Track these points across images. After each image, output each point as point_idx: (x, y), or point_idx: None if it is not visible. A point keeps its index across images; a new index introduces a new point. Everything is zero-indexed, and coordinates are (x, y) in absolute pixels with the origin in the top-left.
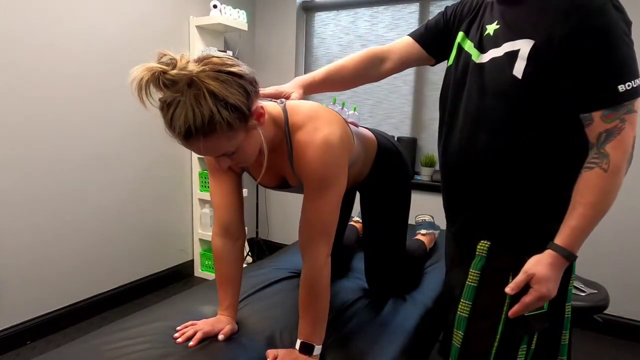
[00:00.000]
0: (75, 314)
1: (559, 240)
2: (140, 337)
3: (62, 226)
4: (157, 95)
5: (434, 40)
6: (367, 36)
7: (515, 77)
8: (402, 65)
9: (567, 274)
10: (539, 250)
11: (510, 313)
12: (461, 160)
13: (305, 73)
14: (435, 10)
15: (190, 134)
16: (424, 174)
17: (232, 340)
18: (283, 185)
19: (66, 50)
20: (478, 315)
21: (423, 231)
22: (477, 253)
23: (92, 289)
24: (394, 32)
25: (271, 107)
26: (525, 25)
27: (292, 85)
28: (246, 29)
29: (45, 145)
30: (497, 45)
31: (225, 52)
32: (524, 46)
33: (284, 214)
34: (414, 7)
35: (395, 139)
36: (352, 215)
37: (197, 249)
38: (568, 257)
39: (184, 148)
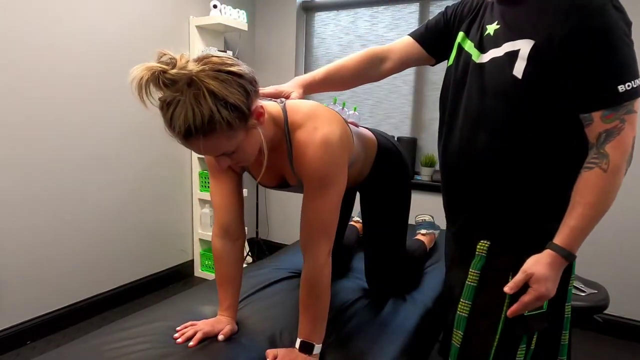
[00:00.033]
0: (75, 314)
1: (558, 240)
2: (140, 337)
3: (62, 226)
4: (157, 94)
5: (434, 40)
6: (367, 36)
7: (515, 77)
8: (402, 65)
9: (567, 274)
10: (539, 250)
11: (508, 312)
12: (461, 160)
13: (305, 73)
14: (435, 10)
15: (190, 134)
16: (424, 174)
17: (232, 340)
18: (283, 184)
19: (66, 50)
20: (478, 315)
21: (423, 231)
22: (476, 253)
23: (92, 289)
24: (394, 32)
25: (271, 107)
26: (526, 26)
27: (292, 85)
28: (246, 29)
29: (45, 145)
30: (498, 45)
31: (225, 52)
32: (524, 46)
33: (284, 214)
34: (414, 7)
35: (395, 139)
36: (352, 215)
37: (197, 249)
38: (567, 257)
39: (184, 148)
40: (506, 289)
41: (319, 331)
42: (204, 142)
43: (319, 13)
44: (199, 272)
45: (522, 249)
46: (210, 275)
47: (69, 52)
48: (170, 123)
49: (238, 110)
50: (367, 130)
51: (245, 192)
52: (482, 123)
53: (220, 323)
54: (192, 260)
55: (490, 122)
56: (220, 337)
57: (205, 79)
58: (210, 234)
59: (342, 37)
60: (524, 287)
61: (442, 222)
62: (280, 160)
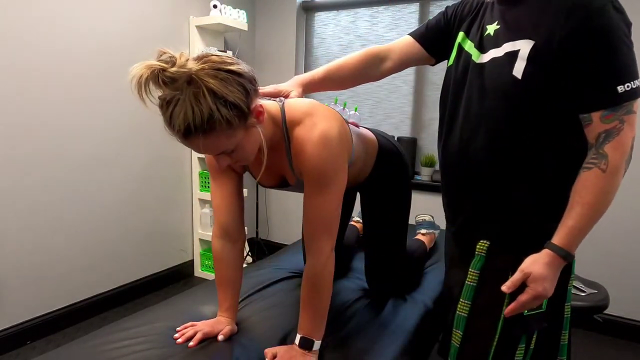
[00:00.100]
0: (75, 314)
1: (556, 239)
2: (140, 338)
3: (62, 226)
4: (156, 93)
5: (434, 39)
6: (367, 36)
7: (515, 77)
8: (402, 64)
9: (566, 274)
10: (539, 250)
11: (506, 311)
12: (461, 160)
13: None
14: (435, 10)
15: (190, 132)
16: (424, 174)
17: (232, 341)
18: (282, 184)
19: (66, 50)
20: (477, 314)
21: (423, 231)
22: (476, 253)
23: (92, 289)
24: (394, 32)
25: (270, 106)
26: (526, 26)
27: (291, 84)
28: (246, 29)
29: (45, 145)
30: (498, 45)
31: (225, 52)
32: (524, 46)
33: (284, 214)
34: (414, 7)
35: (395, 139)
36: (353, 215)
37: (197, 249)
38: (565, 256)
39: (184, 148)
40: (504, 287)
41: (319, 327)
42: (203, 141)
43: (319, 13)
44: (199, 272)
45: (522, 249)
46: (210, 275)
47: (69, 52)
48: (169, 122)
49: (237, 109)
50: (368, 130)
51: (245, 192)
52: (482, 123)
53: (220, 324)
54: (192, 260)
55: (490, 122)
56: (220, 337)
57: (205, 77)
58: (210, 234)
59: (342, 37)
60: (522, 287)
61: (442, 222)
62: (280, 159)
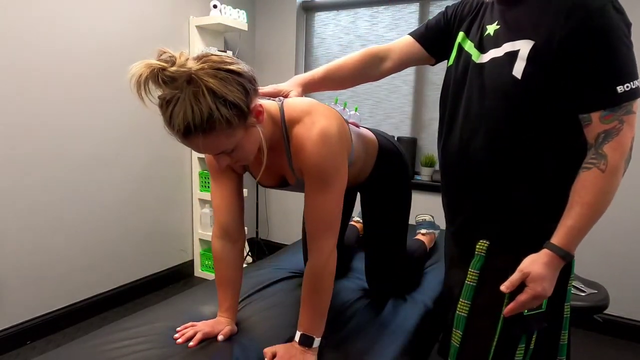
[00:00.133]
0: (75, 314)
1: (555, 239)
2: (140, 338)
3: (62, 226)
4: (156, 93)
5: (434, 39)
6: (367, 36)
7: (514, 78)
8: (402, 64)
9: (566, 274)
10: (538, 250)
11: (505, 311)
12: (461, 160)
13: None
14: (435, 10)
15: (190, 131)
16: (424, 174)
17: (232, 341)
18: (282, 184)
19: (66, 50)
20: (477, 314)
21: (423, 231)
22: (476, 253)
23: (92, 289)
24: (394, 32)
25: (269, 105)
26: (525, 26)
27: (291, 84)
28: (246, 29)
29: (45, 145)
30: (498, 45)
31: (225, 52)
32: (523, 46)
33: (284, 214)
34: (414, 7)
35: (395, 139)
36: (353, 215)
37: (197, 249)
38: (564, 256)
39: (184, 148)
40: (502, 287)
41: (320, 325)
42: (203, 140)
43: (319, 13)
44: (199, 272)
45: (522, 249)
46: (210, 275)
47: (69, 52)
48: (169, 121)
49: (237, 108)
50: (368, 130)
51: (245, 192)
52: (482, 123)
53: (220, 324)
54: (192, 260)
55: (490, 122)
56: (220, 337)
57: (205, 76)
58: (210, 234)
59: (342, 37)
60: (521, 286)
61: (442, 222)
62: (280, 158)
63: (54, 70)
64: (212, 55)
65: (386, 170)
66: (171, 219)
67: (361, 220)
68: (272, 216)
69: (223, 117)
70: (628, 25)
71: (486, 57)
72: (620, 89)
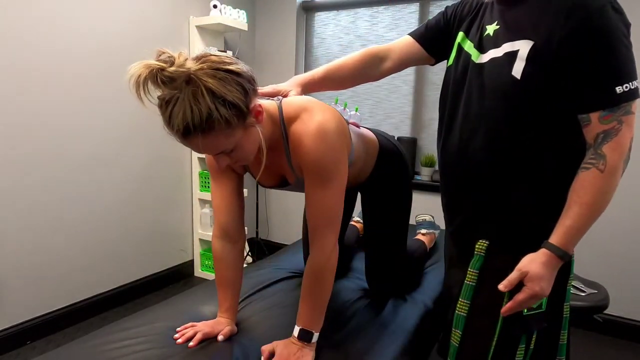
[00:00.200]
0: (75, 314)
1: (553, 239)
2: (140, 338)
3: (62, 226)
4: (155, 93)
5: (434, 39)
6: (367, 36)
7: (514, 78)
8: (401, 64)
9: (565, 274)
10: (537, 250)
11: (502, 310)
12: (460, 160)
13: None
14: (435, 10)
15: (189, 132)
16: (424, 174)
17: (232, 341)
18: (282, 183)
19: (66, 50)
20: (476, 314)
21: (423, 231)
22: (475, 252)
23: (92, 289)
24: (394, 32)
25: (268, 105)
26: (525, 26)
27: (291, 84)
28: (246, 29)
29: (45, 145)
30: (497, 45)
31: (225, 52)
32: (523, 47)
33: (284, 214)
34: (414, 7)
35: (396, 138)
36: (353, 215)
37: (197, 249)
38: (562, 256)
39: (184, 148)
40: (500, 286)
41: (319, 320)
42: (202, 140)
43: (319, 13)
44: (199, 272)
45: (521, 249)
46: (210, 275)
47: (69, 52)
48: (169, 121)
49: (236, 108)
50: (369, 130)
51: (245, 192)
52: (481, 123)
53: (219, 324)
54: (192, 260)
55: (490, 122)
56: (220, 337)
57: (204, 77)
58: (210, 234)
59: (342, 37)
60: (520, 286)
61: (442, 222)
62: (279, 158)
63: (54, 70)
64: (211, 55)
65: (387, 170)
66: (171, 219)
67: (361, 220)
68: (272, 216)
69: (222, 117)
70: (627, 25)
71: (486, 57)
72: (619, 89)
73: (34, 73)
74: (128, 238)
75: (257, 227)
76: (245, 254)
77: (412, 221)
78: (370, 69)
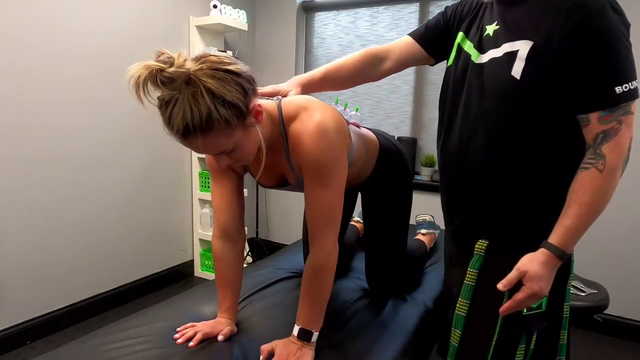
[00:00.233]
0: (75, 314)
1: (552, 239)
2: (140, 338)
3: (62, 226)
4: (155, 93)
5: (434, 40)
6: (367, 36)
7: (513, 78)
8: (401, 64)
9: (565, 274)
10: (537, 249)
11: (501, 310)
12: (460, 160)
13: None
14: (435, 10)
15: (189, 132)
16: (424, 174)
17: (232, 341)
18: (282, 183)
19: (66, 50)
20: (476, 314)
21: (423, 231)
22: (475, 252)
23: (92, 289)
24: (394, 32)
25: (268, 105)
26: (525, 26)
27: (290, 84)
28: (246, 29)
29: (45, 145)
30: (497, 45)
31: (225, 52)
32: (522, 47)
33: (284, 214)
34: (414, 7)
35: (396, 138)
36: (353, 215)
37: (197, 249)
38: (561, 256)
39: (184, 148)
40: (499, 285)
41: (318, 319)
42: (202, 141)
43: (319, 13)
44: (199, 272)
45: (521, 249)
46: (210, 275)
47: (69, 52)
48: (168, 122)
49: (236, 109)
50: (369, 130)
51: (245, 192)
52: (481, 123)
53: (219, 324)
54: (192, 260)
55: (490, 122)
56: (220, 337)
57: (203, 77)
58: (210, 234)
59: (342, 37)
60: (519, 285)
61: (442, 222)
62: (279, 158)
63: (54, 70)
64: (210, 55)
65: (387, 170)
66: (171, 219)
67: (361, 220)
68: (272, 216)
69: (222, 117)
70: (627, 26)
71: (485, 58)
72: (618, 89)
73: (34, 73)
74: (128, 238)
75: (257, 227)
76: (245, 254)
77: (412, 221)
78: (370, 69)
